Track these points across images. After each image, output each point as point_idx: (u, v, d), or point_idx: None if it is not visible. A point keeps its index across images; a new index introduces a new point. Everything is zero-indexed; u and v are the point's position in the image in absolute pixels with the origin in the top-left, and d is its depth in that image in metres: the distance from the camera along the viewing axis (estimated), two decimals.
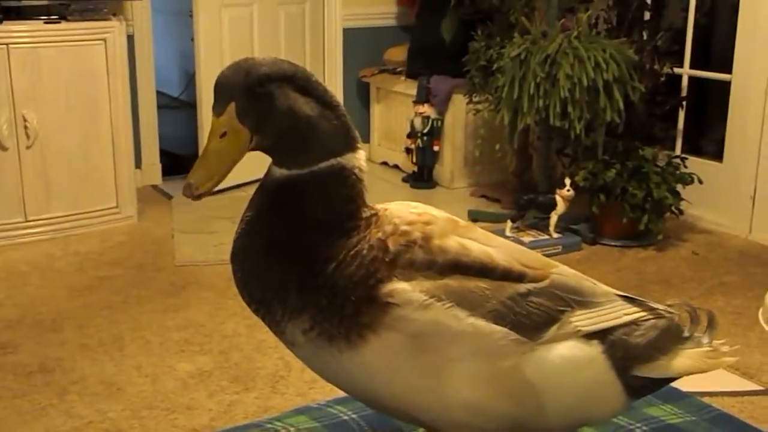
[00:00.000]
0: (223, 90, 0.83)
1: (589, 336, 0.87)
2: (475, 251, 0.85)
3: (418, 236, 0.84)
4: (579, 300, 0.88)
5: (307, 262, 0.84)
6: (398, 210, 0.89)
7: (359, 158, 0.87)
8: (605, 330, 0.88)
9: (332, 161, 0.85)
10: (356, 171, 0.86)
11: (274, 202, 0.86)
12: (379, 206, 0.89)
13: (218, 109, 0.83)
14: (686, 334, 0.93)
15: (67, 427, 2.18)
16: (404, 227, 0.85)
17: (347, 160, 0.86)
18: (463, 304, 0.82)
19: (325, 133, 0.85)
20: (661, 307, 0.95)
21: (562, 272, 0.90)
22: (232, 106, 0.82)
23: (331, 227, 0.85)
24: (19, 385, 2.39)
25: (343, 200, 0.85)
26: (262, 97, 0.82)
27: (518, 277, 0.86)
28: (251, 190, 0.88)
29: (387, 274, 0.82)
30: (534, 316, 0.84)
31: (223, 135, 0.82)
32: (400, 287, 0.81)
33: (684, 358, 0.92)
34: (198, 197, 0.82)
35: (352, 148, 0.86)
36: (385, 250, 0.83)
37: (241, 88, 0.82)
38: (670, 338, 0.92)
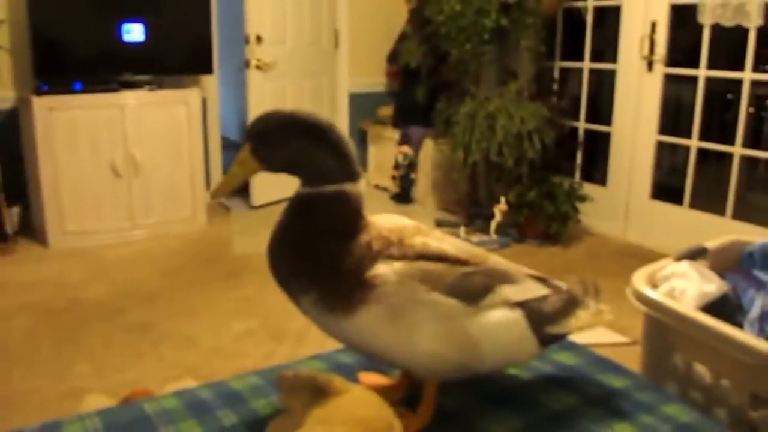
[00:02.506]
0: (246, 133, 0.85)
1: (514, 305, 0.88)
2: (434, 246, 0.86)
3: (394, 238, 0.85)
4: (507, 279, 0.88)
5: (314, 255, 0.83)
6: (382, 220, 0.89)
7: (357, 187, 0.85)
8: (525, 301, 0.89)
9: (336, 186, 0.83)
10: (353, 195, 0.84)
11: (294, 210, 0.85)
12: (371, 217, 0.89)
13: (243, 145, 0.85)
14: (580, 301, 0.94)
15: (159, 367, 2.19)
16: (385, 233, 0.85)
17: (347, 187, 0.84)
18: (426, 282, 0.82)
19: (327, 166, 0.83)
20: (563, 285, 0.95)
21: (496, 261, 0.91)
22: (248, 145, 0.84)
23: (332, 232, 0.84)
24: (129, 338, 2.40)
25: (341, 215, 0.84)
26: (269, 142, 0.83)
27: (464, 263, 0.86)
28: None
29: (371, 265, 0.82)
30: (474, 287, 0.85)
31: (240, 163, 0.85)
32: (382, 272, 0.81)
33: (578, 318, 0.92)
34: (218, 198, 0.88)
35: (351, 179, 0.84)
36: (370, 248, 0.83)
37: (255, 134, 0.83)
38: (569, 305, 0.93)
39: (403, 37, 4.48)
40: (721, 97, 3.36)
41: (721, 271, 1.49)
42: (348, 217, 0.84)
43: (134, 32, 3.48)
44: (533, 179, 3.51)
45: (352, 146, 0.85)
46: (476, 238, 3.46)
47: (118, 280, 2.97)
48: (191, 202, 3.68)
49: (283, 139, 0.82)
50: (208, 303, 2.72)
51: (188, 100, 3.58)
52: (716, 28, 3.07)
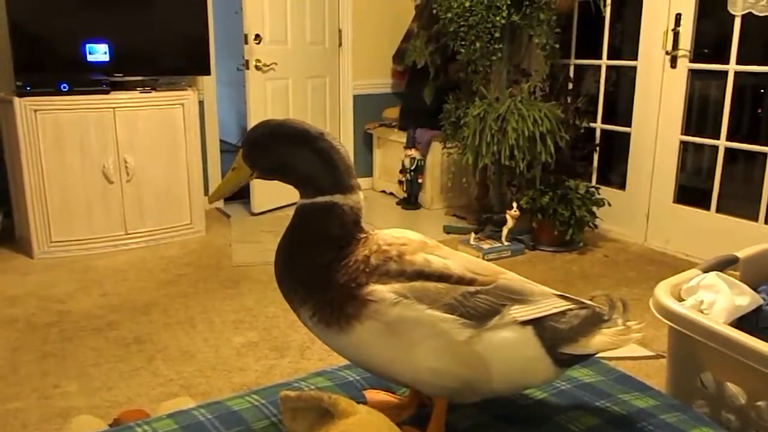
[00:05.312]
0: (242, 140, 0.91)
1: (525, 323, 0.85)
2: (436, 264, 0.84)
3: (394, 253, 0.84)
4: (517, 298, 0.86)
5: (308, 267, 0.84)
6: (384, 234, 0.88)
7: (351, 198, 0.86)
8: (538, 319, 0.86)
9: (327, 198, 0.85)
10: (346, 208, 0.85)
11: (293, 222, 0.88)
12: (372, 231, 0.89)
13: (239, 151, 0.90)
14: (606, 317, 0.90)
15: (154, 383, 2.17)
16: (385, 247, 0.85)
17: (339, 199, 0.85)
18: (423, 300, 0.81)
19: (317, 177, 0.85)
20: (586, 300, 0.92)
21: (509, 278, 0.88)
22: (241, 151, 0.89)
23: (324, 244, 0.85)
24: (121, 353, 2.39)
25: (334, 225, 0.85)
26: (258, 147, 0.87)
27: (470, 282, 0.84)
28: (289, 211, 0.90)
29: (366, 280, 0.82)
30: (480, 308, 0.83)
31: (234, 168, 0.90)
32: (377, 288, 0.81)
33: (602, 336, 0.89)
34: (213, 202, 0.93)
35: (344, 190, 0.85)
36: (367, 263, 0.83)
37: (246, 140, 0.88)
38: (591, 323, 0.89)
39: (409, 36, 4.48)
40: (752, 93, 3.34)
41: (753, 282, 1.46)
42: (340, 229, 0.85)
43: (124, 30, 3.48)
44: (547, 183, 3.49)
45: (344, 158, 0.87)
46: (487, 244, 3.44)
47: (109, 291, 2.95)
48: (189, 209, 3.68)
49: (270, 145, 0.86)
50: (207, 314, 2.71)
51: (185, 103, 3.58)
52: (748, 19, 3.05)
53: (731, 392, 1.25)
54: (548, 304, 0.88)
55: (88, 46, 3.41)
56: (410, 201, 4.38)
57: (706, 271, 1.44)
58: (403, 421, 0.92)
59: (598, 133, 3.83)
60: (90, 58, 3.42)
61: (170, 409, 1.01)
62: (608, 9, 3.66)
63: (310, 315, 0.84)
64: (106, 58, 3.45)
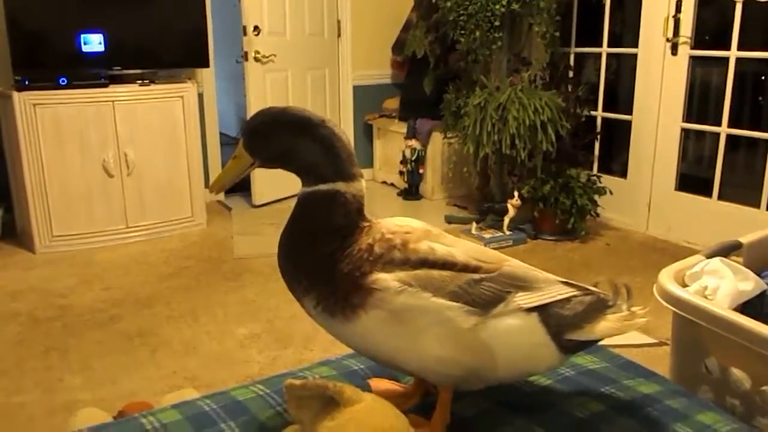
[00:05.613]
0: (242, 128, 0.90)
1: (530, 310, 0.85)
2: (440, 251, 0.84)
3: (398, 242, 0.83)
4: (522, 285, 0.86)
5: (311, 256, 0.84)
6: (387, 223, 0.88)
7: (354, 186, 0.85)
8: (542, 305, 0.86)
9: (329, 186, 0.84)
10: (348, 195, 0.85)
11: (295, 211, 0.87)
12: (375, 220, 0.88)
13: (240, 140, 0.89)
14: (610, 303, 0.90)
15: (158, 376, 2.18)
16: (389, 235, 0.84)
17: (341, 187, 0.84)
18: (428, 288, 0.81)
19: (319, 165, 0.84)
20: (590, 287, 0.92)
21: (513, 265, 0.88)
22: (242, 140, 0.88)
23: (327, 233, 0.84)
24: (124, 346, 2.39)
25: (337, 214, 0.84)
26: (259, 135, 0.86)
27: (474, 269, 0.84)
28: (290, 203, 0.90)
29: (370, 269, 0.81)
30: (484, 296, 0.83)
31: (235, 157, 0.88)
32: (381, 277, 0.81)
33: (606, 322, 0.88)
34: (215, 192, 0.93)
35: (346, 178, 0.85)
36: (371, 251, 0.82)
37: (247, 128, 0.87)
38: (595, 309, 0.89)
39: (408, 26, 4.46)
40: (754, 79, 3.32)
41: (757, 268, 1.45)
42: (343, 218, 0.85)
43: (123, 23, 3.46)
44: (548, 172, 3.48)
45: (346, 144, 0.86)
46: (488, 234, 3.44)
47: (111, 285, 2.95)
48: (189, 202, 3.68)
49: (271, 133, 0.86)
50: (209, 307, 2.71)
51: (184, 95, 3.57)
52: (749, 5, 3.04)
53: (736, 377, 1.25)
54: (553, 290, 0.88)
55: (86, 39, 3.40)
56: (411, 191, 4.37)
57: (709, 256, 1.43)
58: (408, 410, 0.92)
59: (599, 121, 3.82)
60: (88, 51, 3.41)
61: (174, 401, 1.01)
62: None
63: (314, 305, 0.83)
64: (104, 51, 3.44)
